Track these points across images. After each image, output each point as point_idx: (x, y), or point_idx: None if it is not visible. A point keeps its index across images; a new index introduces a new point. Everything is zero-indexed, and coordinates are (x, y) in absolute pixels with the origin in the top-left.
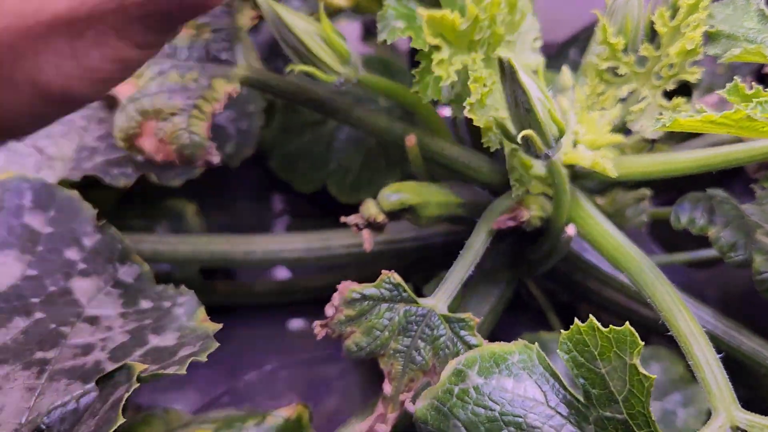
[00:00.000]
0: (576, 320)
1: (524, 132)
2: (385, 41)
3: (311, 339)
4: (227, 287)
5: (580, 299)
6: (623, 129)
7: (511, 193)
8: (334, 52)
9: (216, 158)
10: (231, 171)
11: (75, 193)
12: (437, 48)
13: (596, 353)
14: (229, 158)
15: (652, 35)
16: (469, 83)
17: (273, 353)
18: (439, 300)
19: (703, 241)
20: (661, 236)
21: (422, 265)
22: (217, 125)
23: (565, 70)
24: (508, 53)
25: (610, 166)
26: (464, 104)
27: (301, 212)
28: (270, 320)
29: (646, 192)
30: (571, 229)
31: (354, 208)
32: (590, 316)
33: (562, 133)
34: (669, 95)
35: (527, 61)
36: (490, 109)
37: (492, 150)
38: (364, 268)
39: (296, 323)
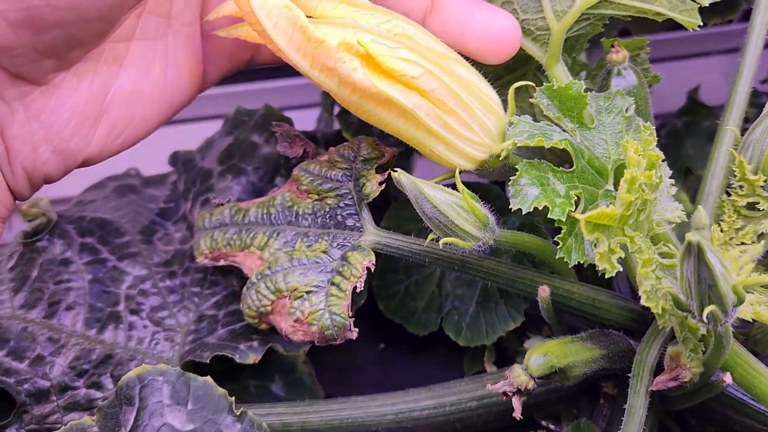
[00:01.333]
0: None
1: (708, 309)
2: (519, 210)
3: None
4: None
5: None
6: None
7: (654, 338)
8: (474, 219)
9: (355, 334)
10: None
11: (209, 381)
12: (596, 242)
13: None
14: None
15: None
16: (638, 270)
17: None
18: None
19: None
20: None
21: (543, 402)
22: None
23: (701, 209)
24: (653, 212)
25: None
26: (638, 293)
27: (406, 345)
28: None
29: None
30: (728, 378)
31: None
32: None
33: (741, 302)
34: None
35: (671, 213)
36: (659, 290)
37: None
38: (494, 418)
39: None
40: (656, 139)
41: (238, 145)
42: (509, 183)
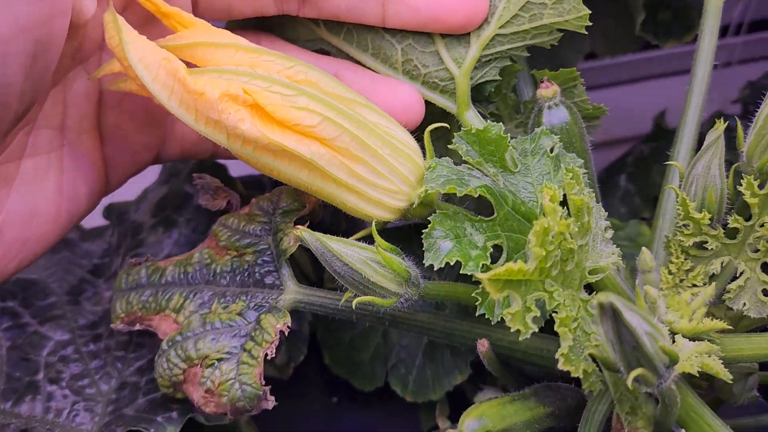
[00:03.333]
0: None
1: (635, 372)
2: (431, 266)
3: None
4: None
5: None
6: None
7: (600, 398)
8: (393, 275)
9: (271, 404)
10: None
11: None
12: (506, 302)
13: None
14: (282, 370)
15: (740, 203)
16: (556, 328)
17: None
18: None
19: None
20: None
21: None
22: None
23: (645, 251)
24: (584, 259)
25: (721, 368)
26: (557, 355)
27: (359, 399)
28: None
29: (755, 366)
30: None
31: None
32: None
33: (674, 361)
34: None
35: (606, 259)
36: (585, 348)
37: (595, 392)
38: None
39: None
40: (582, 182)
41: (171, 196)
42: (423, 236)
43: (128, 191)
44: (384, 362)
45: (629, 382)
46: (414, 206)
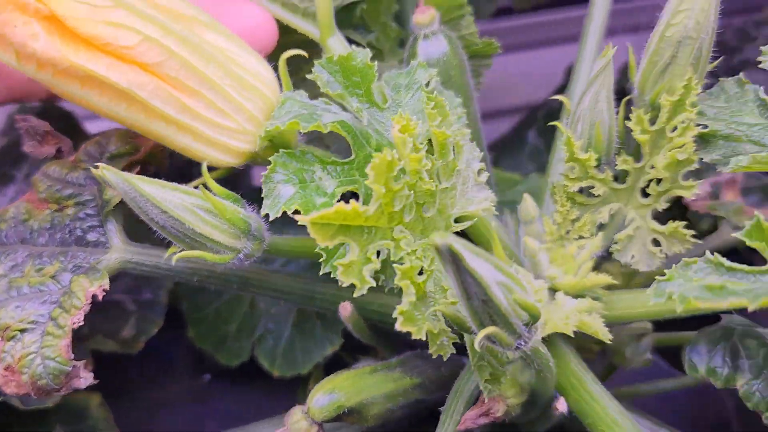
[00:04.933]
0: None
1: (485, 331)
2: (267, 216)
3: None
4: None
5: None
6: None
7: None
8: (228, 225)
9: (85, 381)
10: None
11: None
12: (340, 250)
13: None
14: (128, 344)
15: (630, 142)
16: (397, 281)
17: None
18: None
19: None
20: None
21: None
22: (110, 302)
23: (527, 198)
24: (451, 205)
25: (601, 327)
26: (393, 315)
27: (227, 377)
28: None
29: (648, 326)
30: (561, 405)
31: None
32: None
33: (535, 318)
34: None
35: (476, 204)
36: (430, 304)
37: (445, 357)
38: None
39: None
40: (447, 114)
41: (10, 148)
42: (262, 180)
43: None
44: (250, 334)
45: (476, 344)
46: (263, 149)
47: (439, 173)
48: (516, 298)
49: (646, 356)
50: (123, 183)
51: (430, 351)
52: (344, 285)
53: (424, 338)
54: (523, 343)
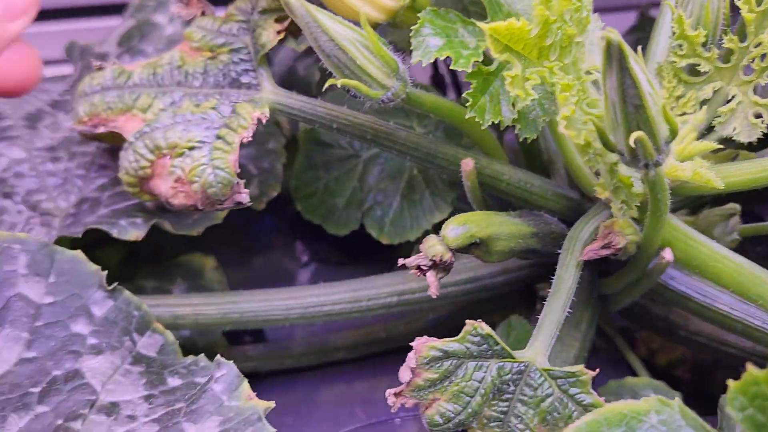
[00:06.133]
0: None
1: (635, 134)
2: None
3: (368, 405)
4: (259, 351)
5: (655, 332)
6: (706, 135)
7: (589, 219)
8: (381, 63)
9: (246, 197)
10: (252, 219)
11: (78, 254)
12: (507, 64)
13: None
14: (254, 200)
15: (735, 23)
16: (558, 94)
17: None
18: (537, 352)
19: None
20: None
21: (474, 309)
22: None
23: None
24: (581, 60)
25: (714, 177)
26: (559, 119)
27: (332, 260)
28: (310, 385)
29: (736, 207)
30: (668, 254)
31: (394, 251)
32: None
33: (674, 134)
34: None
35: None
36: (585, 120)
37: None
38: (414, 319)
39: (341, 387)
40: None
41: (139, 27)
42: (411, 35)
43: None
44: (359, 206)
45: (631, 141)
46: (406, 8)
47: (576, 24)
48: (662, 108)
49: (733, 236)
50: (302, 9)
51: (582, 160)
52: (512, 94)
53: (582, 143)
54: (660, 159)
